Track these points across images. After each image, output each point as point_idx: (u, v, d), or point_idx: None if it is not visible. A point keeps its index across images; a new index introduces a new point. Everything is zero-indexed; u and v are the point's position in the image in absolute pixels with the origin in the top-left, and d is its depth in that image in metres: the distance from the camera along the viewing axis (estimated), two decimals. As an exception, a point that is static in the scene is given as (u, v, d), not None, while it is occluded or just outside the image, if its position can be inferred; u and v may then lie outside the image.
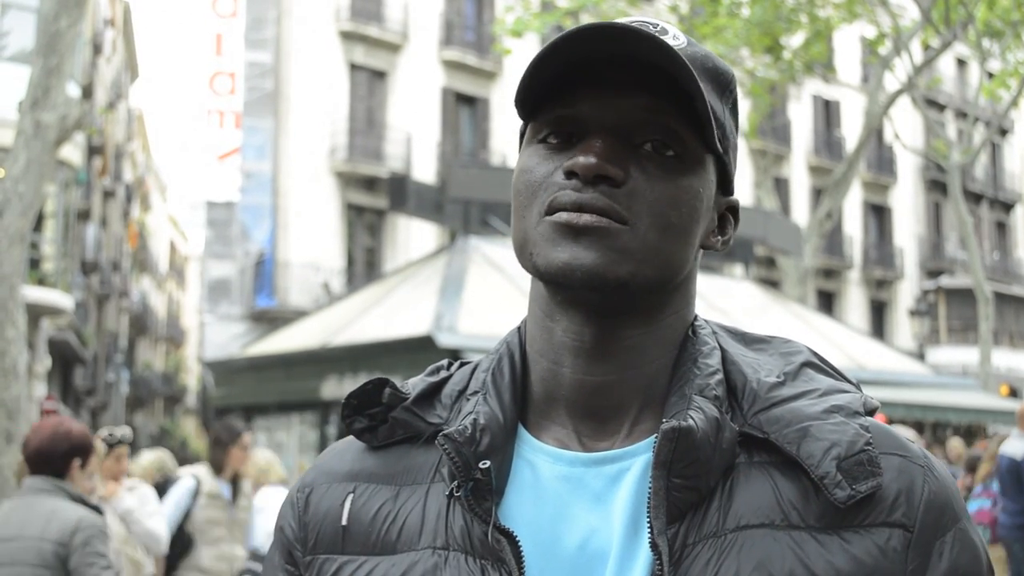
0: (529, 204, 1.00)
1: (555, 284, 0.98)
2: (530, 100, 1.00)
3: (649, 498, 0.94)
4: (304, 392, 15.16)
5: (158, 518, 6.01)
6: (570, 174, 0.97)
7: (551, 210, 0.97)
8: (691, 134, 0.99)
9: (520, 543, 0.95)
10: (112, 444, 5.94)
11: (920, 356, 25.55)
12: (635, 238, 0.96)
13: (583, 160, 0.95)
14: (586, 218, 0.95)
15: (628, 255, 0.96)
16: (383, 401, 1.06)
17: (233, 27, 27.55)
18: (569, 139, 1.00)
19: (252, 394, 16.45)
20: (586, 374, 1.01)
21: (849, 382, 1.04)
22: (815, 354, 1.06)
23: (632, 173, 0.97)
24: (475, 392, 1.04)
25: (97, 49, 29.63)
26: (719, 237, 1.07)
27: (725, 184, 1.06)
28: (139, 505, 5.89)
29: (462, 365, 1.11)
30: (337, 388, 14.30)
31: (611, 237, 0.95)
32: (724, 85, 1.05)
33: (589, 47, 0.96)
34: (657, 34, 0.98)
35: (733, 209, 1.10)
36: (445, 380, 1.09)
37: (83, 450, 4.24)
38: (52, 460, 4.18)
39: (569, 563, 0.96)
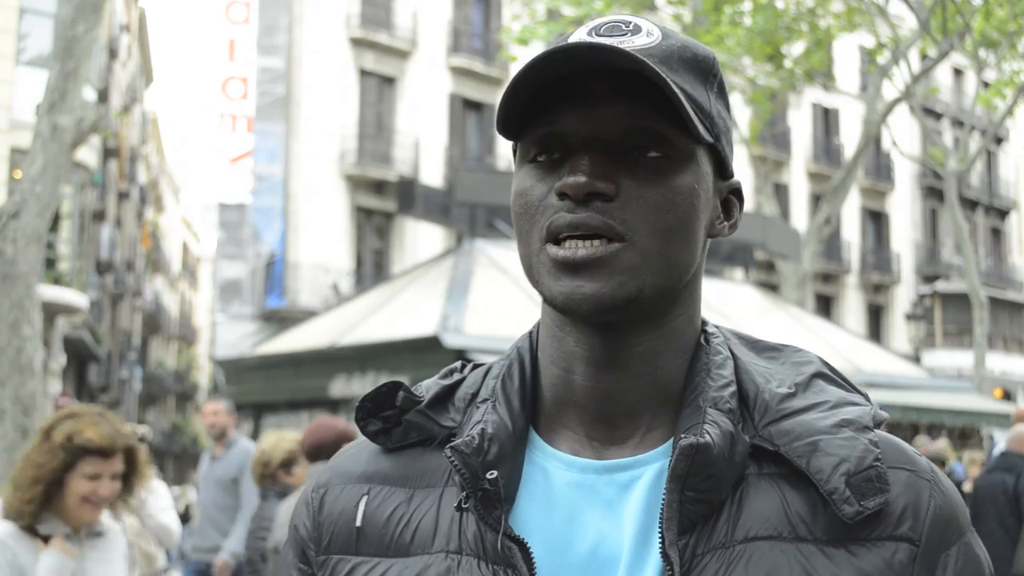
0: (530, 229, 0.98)
1: (564, 313, 0.97)
2: (514, 121, 0.98)
3: (662, 509, 0.93)
4: (313, 390, 15.00)
5: (170, 512, 6.16)
6: (562, 195, 0.95)
7: (549, 236, 0.96)
8: (677, 131, 0.96)
9: (531, 549, 0.95)
10: None
11: (916, 359, 25.27)
12: (636, 252, 0.95)
13: (572, 180, 0.93)
14: (582, 253, 0.94)
15: (632, 272, 0.94)
16: (397, 404, 1.05)
17: (246, 33, 27.73)
18: (557, 156, 0.98)
19: (262, 392, 16.33)
20: (597, 381, 0.99)
21: (859, 393, 1.03)
22: (826, 364, 1.05)
23: (623, 183, 0.95)
24: (485, 399, 1.03)
25: (113, 54, 29.73)
26: (725, 223, 1.06)
27: (723, 169, 1.04)
28: (152, 500, 5.98)
29: (475, 368, 1.10)
30: (345, 387, 14.19)
31: (611, 263, 0.94)
32: (706, 71, 1.02)
33: (561, 68, 0.94)
34: (629, 33, 0.98)
35: (736, 191, 1.08)
36: (458, 383, 1.07)
37: (348, 437, 4.74)
38: (324, 448, 4.74)
39: (580, 569, 0.95)
